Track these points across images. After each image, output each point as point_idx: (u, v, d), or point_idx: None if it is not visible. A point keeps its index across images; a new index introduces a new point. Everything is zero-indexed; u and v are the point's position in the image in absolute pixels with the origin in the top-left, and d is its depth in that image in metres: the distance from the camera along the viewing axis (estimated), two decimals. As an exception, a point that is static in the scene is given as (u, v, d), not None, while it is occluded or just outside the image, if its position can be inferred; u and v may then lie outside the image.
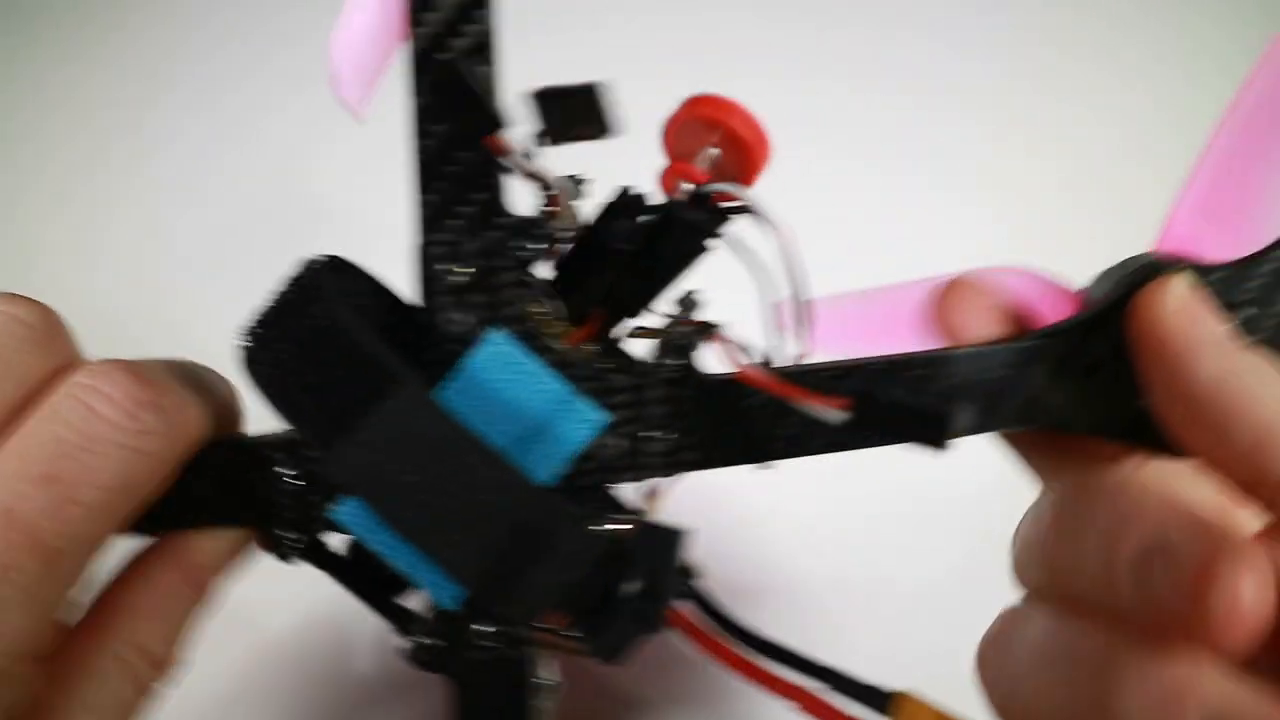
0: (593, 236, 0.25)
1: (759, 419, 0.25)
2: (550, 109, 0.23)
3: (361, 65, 0.24)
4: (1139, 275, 0.24)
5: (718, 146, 0.25)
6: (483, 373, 0.24)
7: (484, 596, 0.23)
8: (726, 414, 0.25)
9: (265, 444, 0.25)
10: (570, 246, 0.25)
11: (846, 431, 0.23)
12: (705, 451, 0.25)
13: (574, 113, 0.23)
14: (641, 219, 0.25)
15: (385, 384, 0.22)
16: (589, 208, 0.25)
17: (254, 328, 0.23)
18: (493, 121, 0.22)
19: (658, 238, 0.25)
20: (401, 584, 0.26)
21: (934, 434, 0.22)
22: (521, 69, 0.25)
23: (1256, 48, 0.24)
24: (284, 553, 0.25)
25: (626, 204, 0.25)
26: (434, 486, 0.22)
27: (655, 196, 0.25)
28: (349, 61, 0.24)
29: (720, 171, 0.25)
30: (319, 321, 0.23)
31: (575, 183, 0.25)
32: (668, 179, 0.25)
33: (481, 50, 0.23)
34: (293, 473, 0.24)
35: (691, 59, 0.58)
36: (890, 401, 0.22)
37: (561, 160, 0.24)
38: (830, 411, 0.23)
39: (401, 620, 0.27)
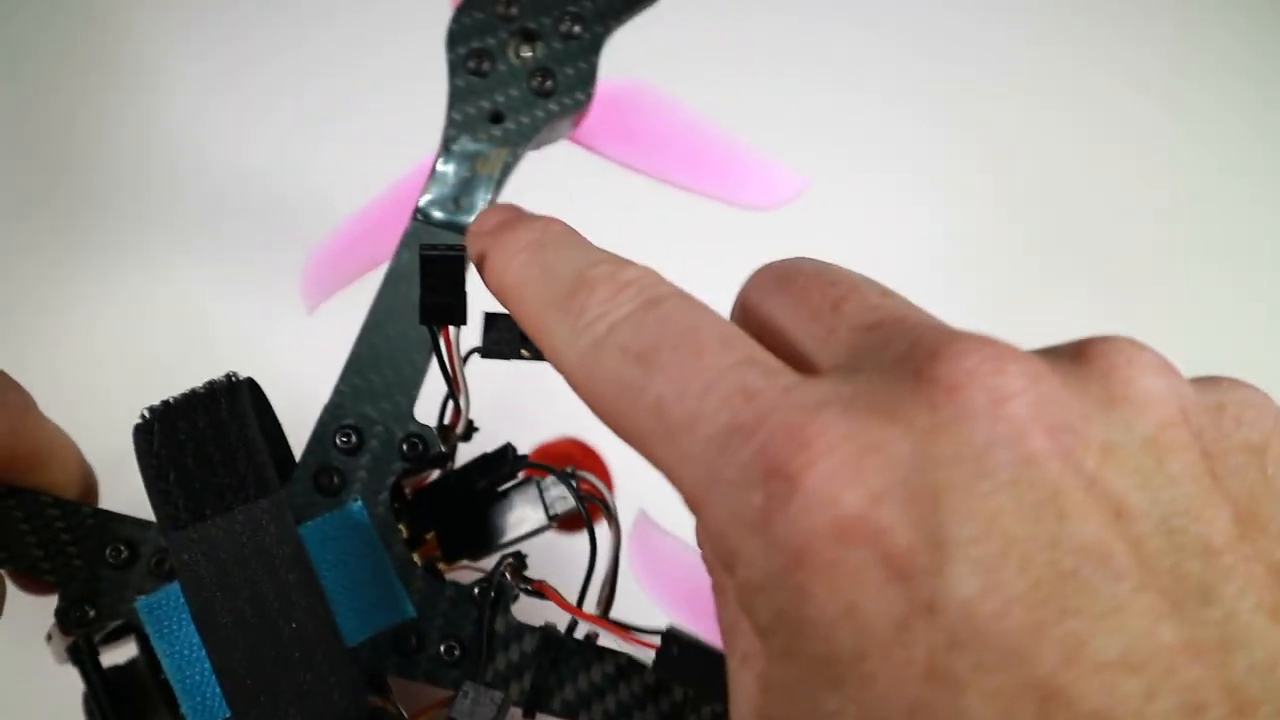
0: (460, 476, 0.28)
1: (558, 669, 0.27)
2: (496, 328, 0.26)
3: (328, 278, 0.27)
4: None
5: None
6: (334, 530, 0.27)
7: (242, 714, 0.24)
8: (520, 656, 0.27)
9: (105, 516, 0.26)
10: (434, 477, 0.28)
11: (644, 699, 0.26)
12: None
13: (520, 336, 0.26)
14: (507, 483, 0.29)
15: (259, 490, 0.25)
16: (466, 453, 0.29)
17: (160, 407, 0.25)
18: (459, 316, 0.25)
19: (512, 495, 0.29)
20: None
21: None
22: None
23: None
24: (71, 626, 0.26)
25: (504, 459, 0.28)
26: (256, 595, 0.24)
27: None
28: (321, 269, 0.27)
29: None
30: (225, 420, 0.25)
31: (470, 426, 0.28)
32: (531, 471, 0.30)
33: None
34: (124, 550, 0.26)
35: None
36: (694, 645, 0.25)
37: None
38: (640, 650, 0.26)
39: None
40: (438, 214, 0.29)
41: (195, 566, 0.24)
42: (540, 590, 0.28)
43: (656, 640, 0.26)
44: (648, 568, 0.30)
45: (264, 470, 0.25)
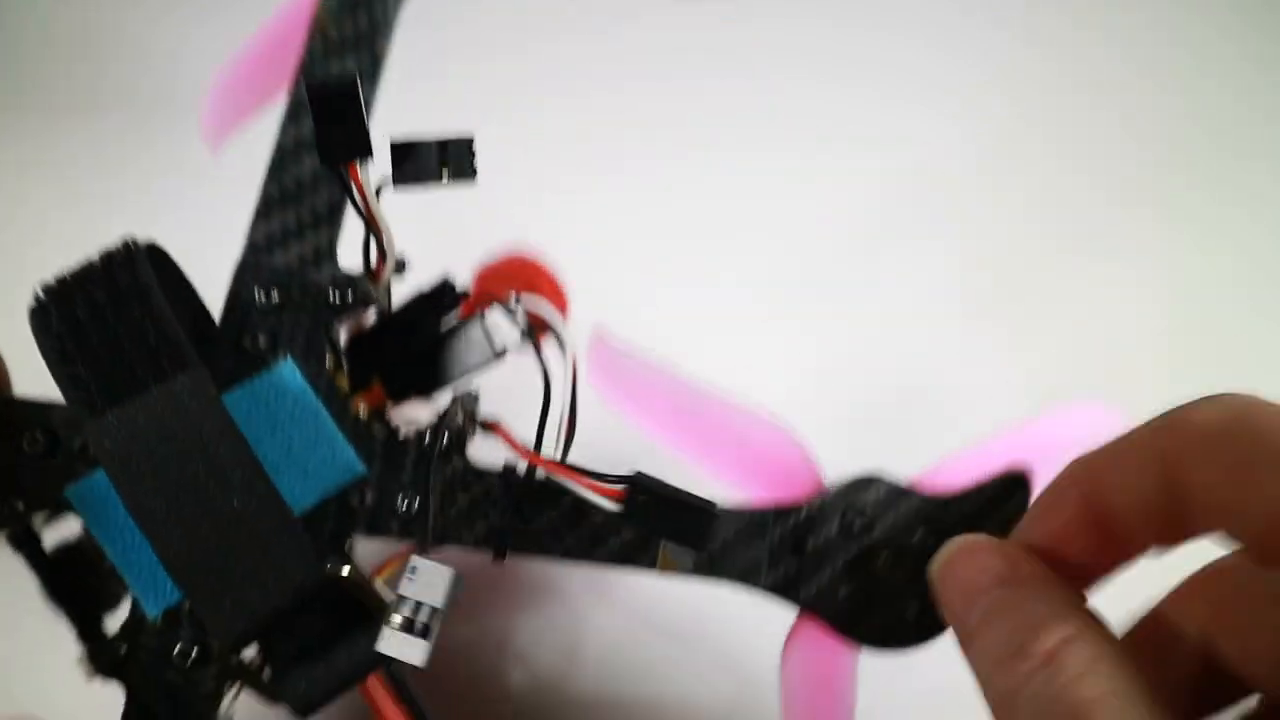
0: (400, 317, 0.26)
1: (518, 509, 0.26)
2: (409, 156, 0.24)
3: (227, 112, 0.24)
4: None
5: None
6: (266, 394, 0.25)
7: (196, 599, 0.23)
8: (480, 499, 0.26)
9: (19, 405, 0.24)
10: (372, 321, 0.26)
11: (608, 530, 0.25)
12: (447, 529, 0.26)
13: (437, 161, 0.24)
14: (449, 316, 0.26)
15: (174, 365, 0.23)
16: (403, 290, 0.26)
17: (54, 284, 0.23)
18: (365, 146, 0.23)
19: (456, 332, 0.26)
20: (100, 599, 0.26)
21: (698, 530, 0.24)
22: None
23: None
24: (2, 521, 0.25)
25: (442, 294, 0.26)
26: (188, 477, 0.22)
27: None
28: (218, 103, 0.24)
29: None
30: (126, 293, 0.23)
31: (399, 263, 0.26)
32: (476, 301, 0.27)
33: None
34: (41, 438, 0.24)
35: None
36: (660, 492, 0.24)
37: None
38: (604, 499, 0.24)
39: (89, 630, 0.26)
40: (333, 32, 0.26)
41: (118, 453, 0.23)
42: (493, 430, 0.26)
43: (620, 487, 0.24)
44: (610, 383, 0.29)
45: (177, 343, 0.23)
